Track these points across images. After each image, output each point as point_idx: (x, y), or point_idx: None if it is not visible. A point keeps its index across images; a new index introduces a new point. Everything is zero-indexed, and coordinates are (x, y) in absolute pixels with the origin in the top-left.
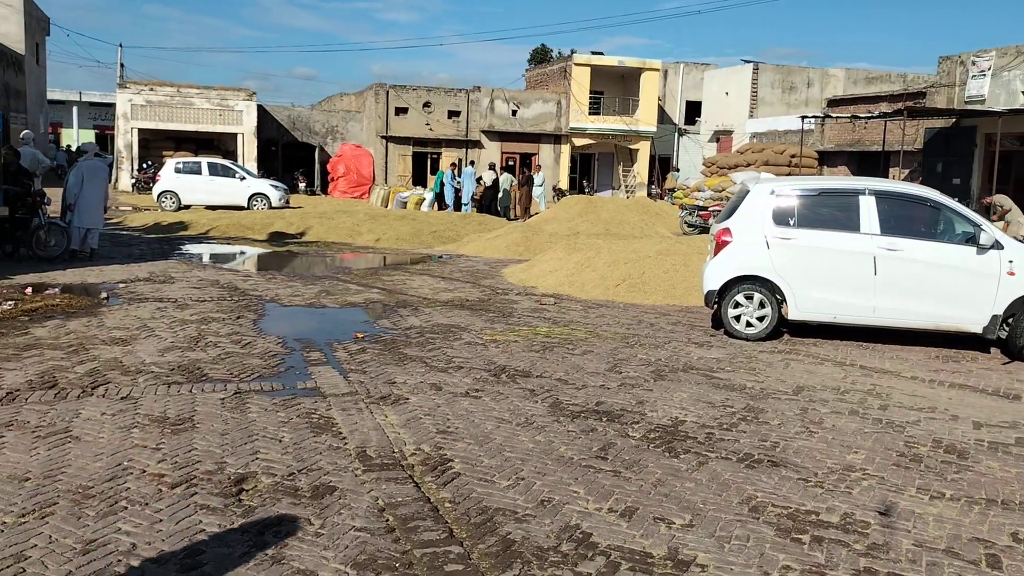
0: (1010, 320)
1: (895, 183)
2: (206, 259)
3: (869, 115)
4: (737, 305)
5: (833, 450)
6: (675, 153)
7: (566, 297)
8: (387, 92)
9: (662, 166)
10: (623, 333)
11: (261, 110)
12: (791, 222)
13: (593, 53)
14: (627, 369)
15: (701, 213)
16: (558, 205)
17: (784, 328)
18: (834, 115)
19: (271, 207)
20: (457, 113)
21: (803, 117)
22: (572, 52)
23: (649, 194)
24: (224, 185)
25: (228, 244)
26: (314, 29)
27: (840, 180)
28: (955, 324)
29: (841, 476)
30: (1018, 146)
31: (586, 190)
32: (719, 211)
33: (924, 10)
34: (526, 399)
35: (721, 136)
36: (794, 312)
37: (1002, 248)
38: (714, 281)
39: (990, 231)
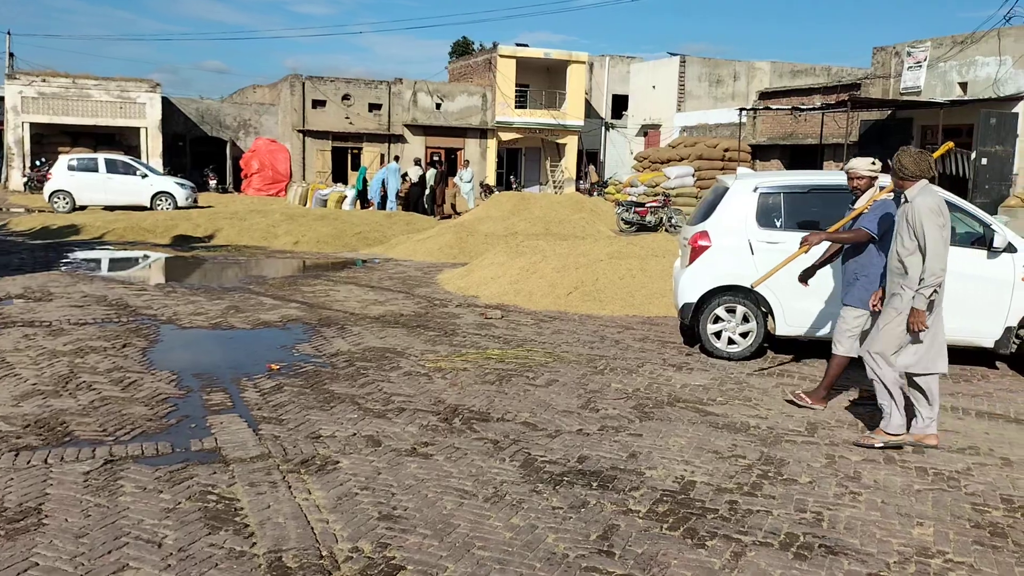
0: (1021, 331)
1: (888, 178)
2: (96, 269)
3: (810, 107)
4: (717, 320)
5: (892, 523)
6: (602, 147)
7: (513, 308)
8: (303, 84)
9: (590, 161)
10: (587, 354)
11: (166, 103)
12: (777, 223)
13: (518, 45)
14: (603, 404)
15: (638, 210)
16: (489, 202)
17: (766, 344)
18: (774, 107)
19: (176, 207)
20: (378, 106)
21: (741, 109)
22: (495, 44)
23: (578, 189)
24: (124, 183)
25: (124, 250)
26: (228, 22)
27: (831, 175)
28: (965, 338)
29: (920, 567)
30: (953, 139)
31: (514, 186)
32: (656, 207)
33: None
34: (490, 456)
35: (649, 130)
36: (782, 327)
37: (1016, 251)
38: (691, 292)
39: (1003, 232)
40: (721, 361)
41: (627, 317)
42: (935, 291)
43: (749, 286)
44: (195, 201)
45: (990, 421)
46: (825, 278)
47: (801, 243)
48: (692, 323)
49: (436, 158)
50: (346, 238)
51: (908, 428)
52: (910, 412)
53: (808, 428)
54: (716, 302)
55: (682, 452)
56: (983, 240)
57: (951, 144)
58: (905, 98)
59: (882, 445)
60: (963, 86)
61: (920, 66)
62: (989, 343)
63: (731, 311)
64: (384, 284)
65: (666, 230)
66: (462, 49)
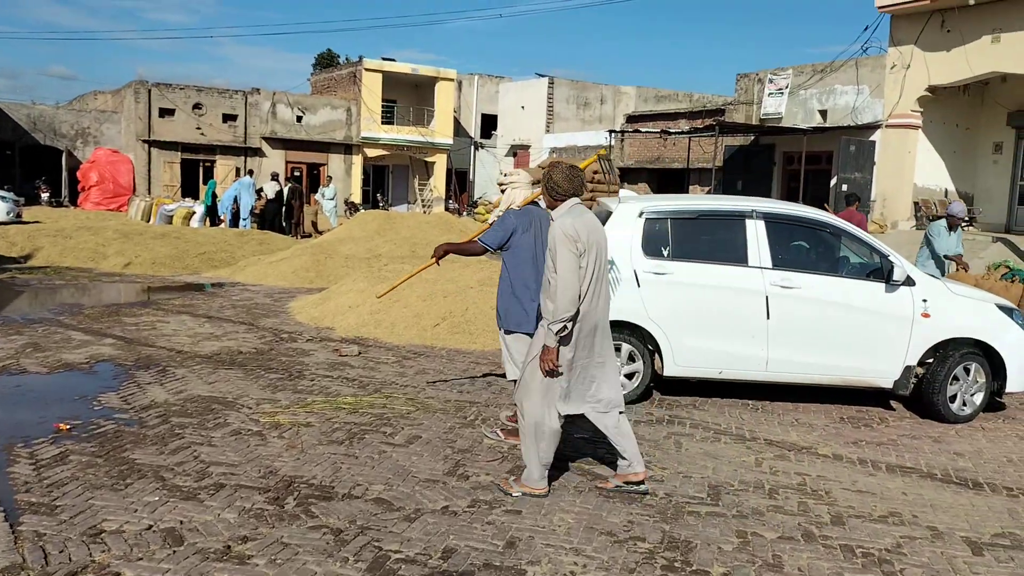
0: (920, 370)
1: (786, 204)
2: None
3: (679, 131)
4: None
5: None
6: (472, 167)
7: (373, 342)
8: (148, 91)
9: (459, 180)
10: (456, 400)
11: None
12: (665, 253)
13: (384, 59)
14: (474, 469)
15: None
16: (352, 222)
17: (652, 384)
18: (643, 130)
19: None
20: (234, 117)
21: (611, 131)
22: (361, 58)
23: (447, 208)
24: None
25: None
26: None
27: (722, 200)
28: (863, 378)
29: None
30: (815, 165)
31: (380, 204)
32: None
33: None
34: (328, 556)
35: (519, 150)
36: (671, 367)
37: (914, 284)
38: None
39: (901, 263)
40: None
41: (500, 352)
42: (564, 327)
43: (376, 297)
44: (19, 215)
45: (903, 477)
46: (715, 313)
47: (433, 254)
48: None
49: (296, 173)
50: (188, 259)
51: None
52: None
53: (711, 494)
54: None
55: (570, 535)
56: (880, 272)
57: (603, 151)
58: (769, 124)
59: (519, 494)
60: (823, 113)
61: (782, 93)
62: (888, 383)
63: (615, 350)
64: (225, 314)
65: None
66: (327, 62)
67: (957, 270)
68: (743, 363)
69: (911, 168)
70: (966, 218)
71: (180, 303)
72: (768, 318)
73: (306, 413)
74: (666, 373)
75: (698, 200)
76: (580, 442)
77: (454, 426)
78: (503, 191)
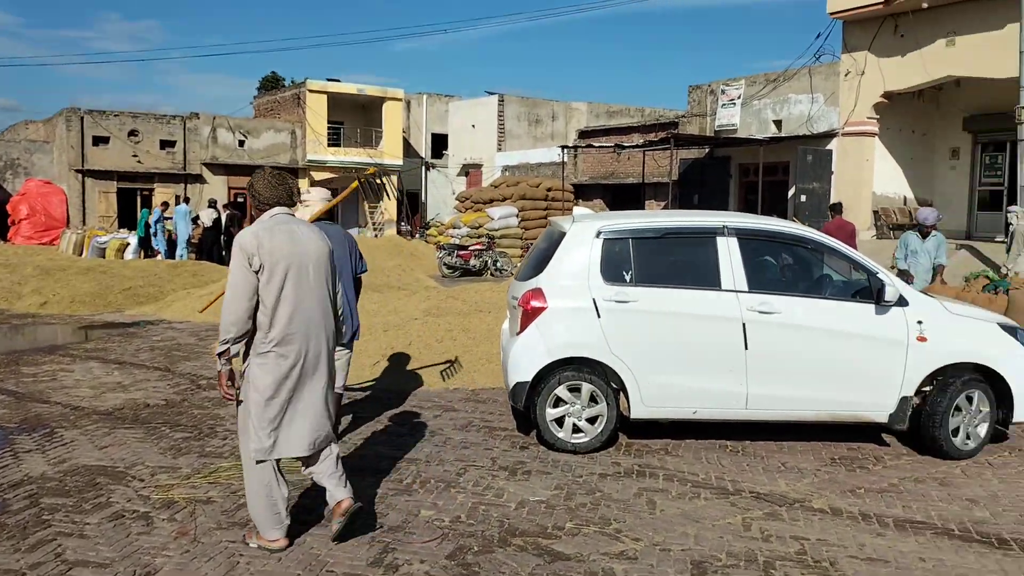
0: (916, 401)
1: (758, 218)
2: None
3: (633, 145)
4: (559, 402)
5: None
6: (423, 188)
7: None
8: (82, 118)
9: (411, 201)
10: (391, 457)
11: None
12: (628, 277)
13: (329, 80)
14: (406, 555)
15: (461, 253)
16: None
17: (617, 427)
18: (596, 145)
19: None
20: (172, 143)
21: (563, 147)
22: (306, 79)
23: (399, 232)
24: None
25: None
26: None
27: (688, 216)
28: (855, 413)
29: None
30: (772, 176)
31: None
32: (480, 250)
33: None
34: None
35: (471, 169)
36: (638, 408)
37: (907, 304)
38: (523, 368)
39: (892, 282)
40: (566, 456)
41: (447, 392)
42: (228, 348)
43: (198, 312)
44: None
45: (916, 536)
46: (686, 345)
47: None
48: (527, 407)
49: (240, 199)
50: (111, 295)
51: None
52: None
53: (695, 574)
54: (556, 380)
55: None
56: (868, 292)
57: (372, 170)
58: (724, 136)
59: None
60: (778, 123)
61: (735, 104)
62: (882, 417)
63: (575, 390)
64: (139, 358)
65: (491, 274)
66: (271, 85)
67: (934, 281)
68: (720, 401)
69: (869, 176)
70: (936, 222)
71: (91, 347)
72: (746, 348)
73: (208, 484)
74: (634, 415)
75: (662, 216)
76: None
77: (387, 493)
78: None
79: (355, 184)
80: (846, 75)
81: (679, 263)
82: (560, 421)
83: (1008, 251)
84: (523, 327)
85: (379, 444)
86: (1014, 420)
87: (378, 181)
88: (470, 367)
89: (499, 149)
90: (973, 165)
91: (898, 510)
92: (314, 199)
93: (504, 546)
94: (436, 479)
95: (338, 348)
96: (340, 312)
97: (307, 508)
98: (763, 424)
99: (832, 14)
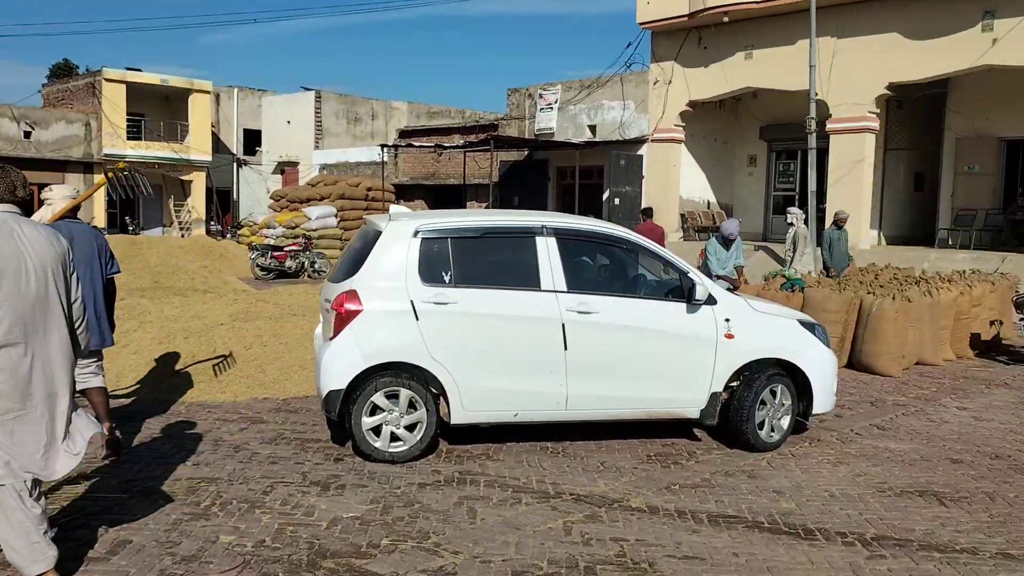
0: (725, 396)
1: (577, 219)
2: None
3: (454, 145)
4: (375, 410)
5: None
6: (235, 186)
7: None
8: None
9: (221, 200)
10: (189, 478)
11: None
12: (447, 278)
13: (129, 69)
14: None
15: (275, 254)
16: None
17: (438, 432)
18: (417, 144)
19: None
20: None
21: (383, 146)
22: (102, 68)
23: (208, 231)
24: None
25: None
26: None
27: (508, 215)
28: (671, 409)
29: None
30: (587, 179)
31: (130, 228)
32: (296, 251)
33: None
34: None
35: (287, 168)
36: (459, 413)
37: (716, 303)
38: (336, 375)
39: (702, 281)
40: (383, 467)
41: (255, 402)
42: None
43: None
44: None
45: (729, 530)
46: (507, 347)
47: None
48: (342, 417)
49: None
50: None
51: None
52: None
53: None
54: (372, 387)
55: None
56: (680, 291)
57: (122, 164)
58: (542, 139)
59: None
60: (593, 128)
61: (552, 108)
62: (694, 413)
63: (393, 397)
64: None
65: (309, 276)
66: (63, 71)
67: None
68: (541, 402)
69: (676, 181)
70: (735, 234)
71: None
72: (566, 349)
73: None
74: (454, 420)
75: (481, 216)
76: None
77: (181, 518)
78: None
79: (103, 180)
80: (655, 84)
81: (499, 263)
82: (377, 430)
83: (792, 251)
84: (337, 331)
85: (174, 462)
86: (813, 412)
87: (126, 175)
88: (282, 375)
89: (317, 147)
90: (769, 172)
91: (711, 505)
92: (57, 197)
93: (313, 570)
94: (239, 499)
95: (86, 358)
96: (79, 319)
97: (85, 540)
98: (583, 424)
99: (641, 24)
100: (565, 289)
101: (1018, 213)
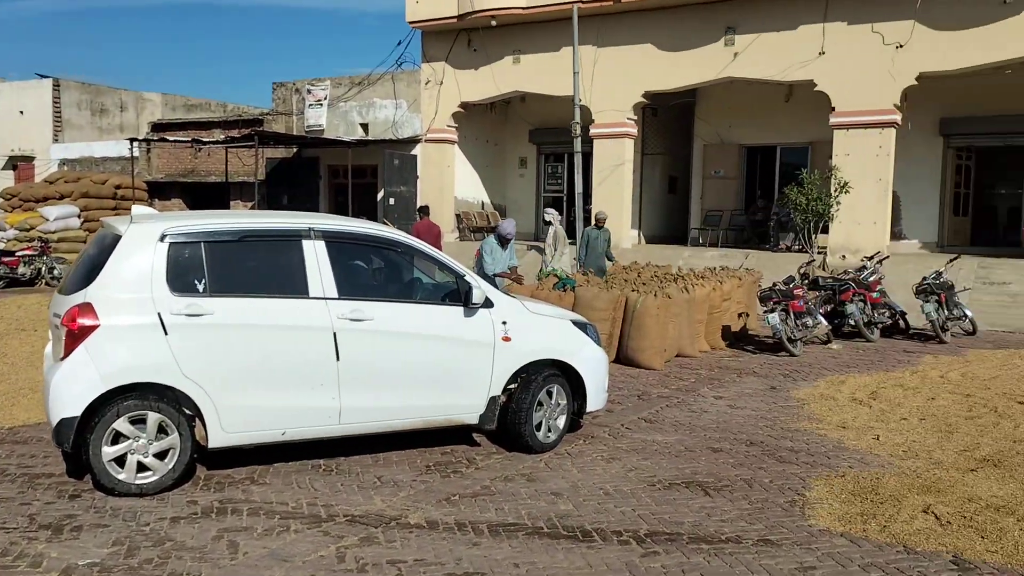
0: (504, 399)
1: (347, 221)
2: None
3: (213, 140)
4: (119, 438)
5: None
6: None
7: None
8: None
9: None
10: None
11: None
12: (200, 287)
13: None
14: None
15: (6, 260)
16: None
17: (194, 457)
18: (171, 139)
19: None
20: None
21: (132, 140)
22: None
23: None
24: None
25: None
26: None
27: (271, 217)
28: (450, 416)
29: None
30: (361, 179)
31: None
32: (31, 255)
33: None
34: None
35: (20, 163)
36: (218, 435)
37: (492, 306)
38: (69, 402)
39: (478, 284)
40: (129, 502)
41: None
42: None
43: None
44: None
45: (510, 540)
46: (271, 361)
47: None
48: (78, 448)
49: None
50: None
51: None
52: None
53: None
54: (114, 412)
55: None
56: (456, 295)
57: None
58: (312, 136)
59: None
60: (365, 127)
61: (321, 104)
62: (474, 419)
63: (139, 422)
64: None
65: (47, 283)
66: None
67: (510, 283)
68: (312, 418)
69: (451, 182)
70: (513, 234)
71: None
72: (338, 360)
73: None
74: (212, 444)
75: (240, 217)
76: None
77: None
78: None
79: None
80: (426, 84)
81: (261, 270)
82: (121, 460)
83: (554, 250)
84: (69, 350)
85: None
86: (587, 410)
87: None
88: (7, 399)
89: (55, 140)
90: (539, 173)
91: (491, 514)
92: None
93: None
94: None
95: None
96: None
97: None
98: (359, 438)
99: (411, 23)
100: (336, 296)
101: (758, 214)
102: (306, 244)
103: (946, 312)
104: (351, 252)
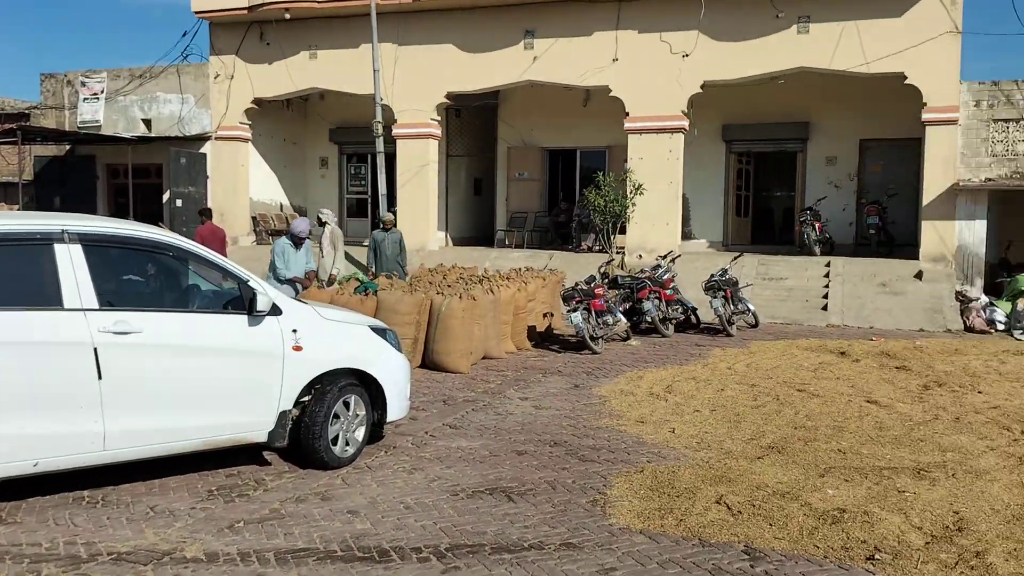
0: (296, 413)
1: (109, 222)
2: None
3: None
4: None
5: None
6: None
7: None
8: None
9: None
10: None
11: None
12: None
13: None
14: None
15: None
16: None
17: None
18: None
19: None
20: None
21: None
22: None
23: None
24: None
25: None
26: None
27: (19, 219)
28: (234, 435)
29: None
30: (144, 179)
31: None
32: None
33: None
34: None
35: None
36: None
37: (281, 313)
38: None
39: (264, 289)
40: None
41: None
42: None
43: None
44: None
45: (299, 567)
46: (18, 383)
47: None
48: None
49: None
50: None
51: None
52: None
53: None
54: None
55: None
56: (240, 302)
57: None
58: (87, 132)
59: None
60: (147, 123)
61: (98, 98)
62: (262, 437)
63: None
64: None
65: None
66: None
67: (308, 288)
68: (70, 446)
69: (245, 182)
70: (309, 232)
71: None
72: (100, 378)
73: None
74: None
75: None
76: None
77: None
78: None
79: None
80: (216, 78)
81: (5, 278)
82: None
83: (333, 251)
84: None
85: None
86: (388, 419)
87: None
88: None
89: None
90: (341, 174)
91: (280, 540)
92: None
93: None
94: None
95: None
96: None
97: None
98: (131, 463)
99: (197, 13)
100: (96, 306)
101: (560, 215)
102: (59, 249)
103: (732, 307)
104: (115, 257)
